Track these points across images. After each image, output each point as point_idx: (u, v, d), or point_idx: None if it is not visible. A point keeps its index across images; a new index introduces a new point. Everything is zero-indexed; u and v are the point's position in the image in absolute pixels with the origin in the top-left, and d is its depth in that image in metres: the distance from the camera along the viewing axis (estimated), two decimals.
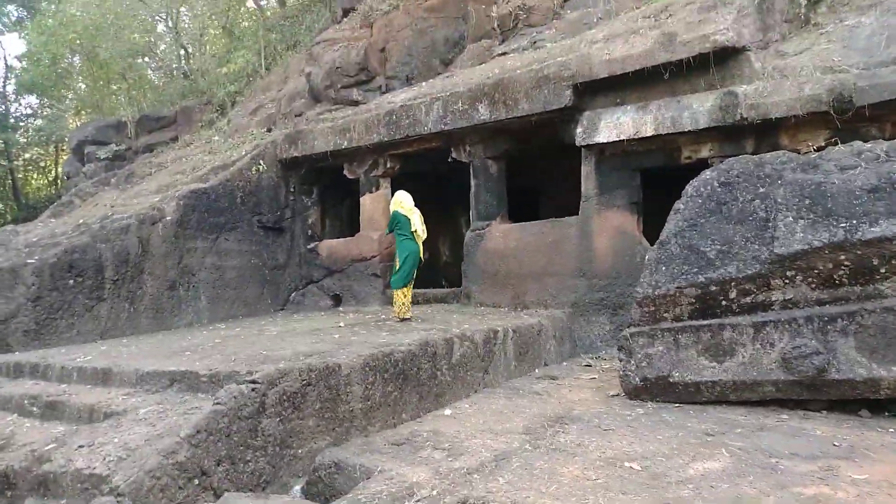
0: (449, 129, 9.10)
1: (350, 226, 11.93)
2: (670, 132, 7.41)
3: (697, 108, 7.22)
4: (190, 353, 6.05)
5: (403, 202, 7.62)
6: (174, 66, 22.09)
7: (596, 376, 6.44)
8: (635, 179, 7.99)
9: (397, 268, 7.51)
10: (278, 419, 4.18)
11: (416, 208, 7.67)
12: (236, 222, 10.16)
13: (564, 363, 7.44)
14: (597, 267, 8.11)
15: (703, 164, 7.56)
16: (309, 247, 11.02)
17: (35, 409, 5.41)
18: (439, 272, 12.74)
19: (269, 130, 13.18)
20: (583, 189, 8.30)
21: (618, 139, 7.75)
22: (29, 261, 7.68)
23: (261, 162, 10.65)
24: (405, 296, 7.61)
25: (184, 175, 11.17)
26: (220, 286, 9.83)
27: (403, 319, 7.43)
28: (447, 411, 5.35)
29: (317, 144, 10.44)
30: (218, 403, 3.79)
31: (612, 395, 5.63)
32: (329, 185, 11.55)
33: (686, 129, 7.28)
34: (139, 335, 8.47)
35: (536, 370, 7.01)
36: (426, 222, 7.96)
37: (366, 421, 4.88)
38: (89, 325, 8.14)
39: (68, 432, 4.72)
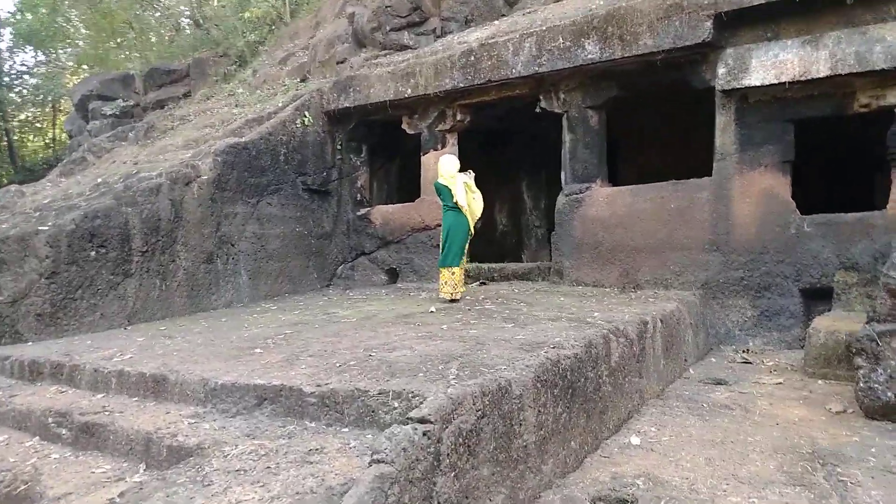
0: (543, 73, 7.53)
1: (399, 191, 10.40)
2: (852, 72, 5.87)
3: (894, 40, 5.67)
4: (261, 350, 4.58)
5: (440, 168, 6.80)
6: (185, 14, 20.21)
7: (781, 380, 5.01)
8: (789, 133, 6.47)
9: (441, 245, 6.77)
10: (453, 474, 2.73)
11: (461, 175, 6.78)
12: (280, 183, 8.61)
13: (711, 359, 6.00)
14: (736, 239, 6.63)
15: (885, 114, 6.05)
16: (359, 213, 9.48)
17: (64, 431, 3.95)
18: (494, 244, 11.22)
19: (304, 80, 11.56)
20: (717, 144, 6.78)
21: (776, 81, 6.22)
22: (41, 228, 6.16)
23: (306, 113, 9.06)
24: (453, 275, 6.62)
25: (213, 129, 9.59)
26: (263, 258, 8.32)
27: (452, 301, 6.57)
28: (633, 439, 3.90)
29: (373, 93, 8.84)
30: (381, 462, 2.34)
31: (838, 412, 4.21)
32: (377, 142, 9.98)
33: (876, 68, 5.74)
34: (174, 318, 6.99)
35: (689, 370, 5.58)
36: (482, 188, 6.90)
37: (539, 459, 3.42)
38: (114, 307, 6.65)
39: (121, 478, 3.27)
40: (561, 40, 7.30)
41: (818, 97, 6.28)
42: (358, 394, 3.26)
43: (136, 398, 4.15)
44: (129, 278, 6.77)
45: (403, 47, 10.39)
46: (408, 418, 2.64)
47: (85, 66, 22.67)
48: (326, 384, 3.42)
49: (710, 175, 6.85)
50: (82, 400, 4.28)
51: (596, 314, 5.41)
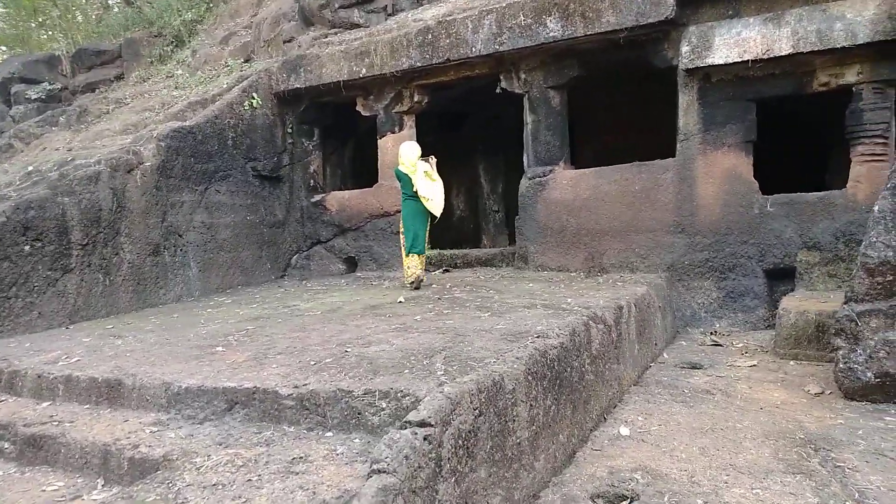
0: (503, 52, 7.34)
1: (353, 176, 10.08)
2: (813, 50, 5.89)
3: (853, 18, 5.72)
4: (223, 348, 4.27)
5: (401, 156, 6.62)
6: None
7: (755, 362, 5.01)
8: (751, 112, 6.49)
9: (402, 233, 6.70)
10: (454, 479, 2.53)
11: (423, 162, 6.58)
12: (228, 170, 8.17)
13: (681, 342, 5.98)
14: (700, 221, 6.63)
15: (843, 92, 6.11)
16: (313, 200, 9.12)
17: (7, 445, 3.56)
18: (452, 229, 11.03)
19: (248, 61, 11.06)
20: (680, 124, 6.74)
21: (740, 60, 6.20)
22: None
23: (254, 95, 8.62)
24: (420, 261, 6.59)
25: (153, 112, 9.02)
26: (213, 249, 7.89)
27: (416, 288, 6.53)
28: (622, 429, 3.79)
29: (325, 73, 8.47)
30: (382, 472, 2.11)
31: (817, 394, 4.20)
32: (330, 125, 9.62)
33: (837, 46, 5.77)
34: (120, 315, 6.53)
35: (663, 354, 5.53)
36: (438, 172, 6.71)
37: (532, 456, 3.26)
38: (54, 305, 6.15)
39: (77, 496, 2.95)
40: (522, 17, 7.11)
41: (779, 76, 6.30)
42: (341, 395, 3.01)
43: (87, 406, 3.78)
44: (68, 274, 6.27)
45: (353, 25, 10.01)
46: (406, 422, 2.41)
47: (3, 48, 21.20)
48: (305, 385, 3.16)
49: (674, 156, 6.82)
50: (25, 410, 3.88)
51: (569, 300, 5.30)
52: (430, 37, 7.70)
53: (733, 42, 6.23)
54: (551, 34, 6.97)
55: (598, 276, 6.92)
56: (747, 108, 6.47)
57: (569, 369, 3.82)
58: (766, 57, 6.09)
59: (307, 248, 9.13)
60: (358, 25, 9.96)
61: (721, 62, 6.27)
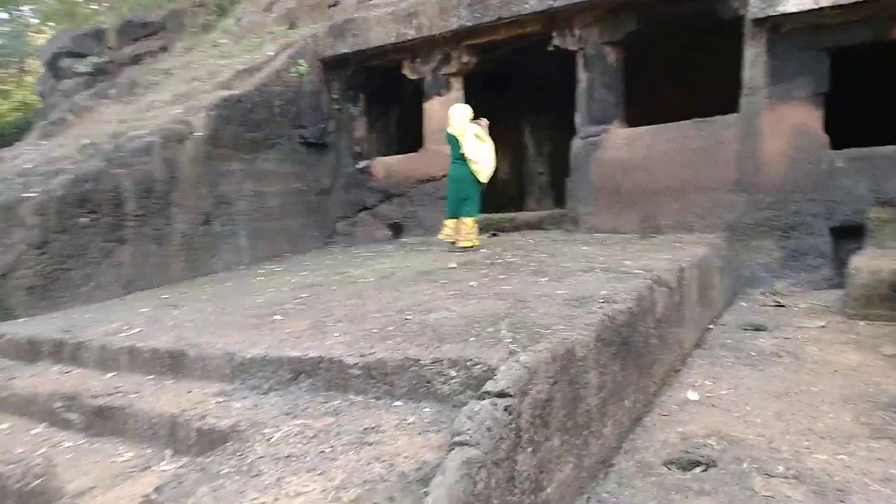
0: (558, 7, 7.05)
1: (399, 141, 9.94)
2: None
3: None
4: (281, 317, 4.24)
5: (451, 118, 6.57)
6: None
7: (823, 323, 4.77)
8: (823, 62, 6.11)
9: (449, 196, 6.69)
10: (531, 449, 2.44)
11: (474, 125, 6.53)
12: (276, 138, 8.13)
13: (742, 303, 5.75)
14: (764, 178, 6.32)
15: None
16: (359, 166, 9.04)
17: (75, 416, 3.61)
18: (495, 193, 10.80)
19: (292, 27, 10.93)
20: (745, 78, 6.40)
21: (815, 6, 5.80)
22: (27, 194, 5.70)
23: (301, 61, 8.51)
24: (470, 224, 6.58)
25: (202, 82, 8.99)
26: (262, 218, 7.91)
27: (465, 249, 6.52)
28: (690, 394, 3.65)
29: (372, 36, 8.30)
30: (465, 444, 2.03)
31: (894, 356, 3.97)
32: (375, 90, 9.47)
33: None
34: (173, 284, 6.61)
35: (723, 316, 5.32)
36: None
37: (600, 423, 3.15)
38: (110, 276, 6.24)
39: (147, 467, 2.96)
40: None
41: (857, 22, 5.89)
42: (409, 363, 2.93)
43: (150, 377, 3.80)
44: (123, 245, 6.35)
45: None
46: (485, 392, 2.32)
47: (51, 24, 21.51)
48: (371, 353, 3.09)
49: (736, 112, 6.49)
50: (91, 381, 3.93)
51: (627, 262, 5.11)
52: None
53: None
54: None
55: (652, 237, 6.69)
56: (820, 59, 6.09)
57: (635, 334, 3.68)
58: (845, 2, 5.68)
59: (353, 214, 9.08)
60: None
61: (794, 10, 5.88)
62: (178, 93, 8.80)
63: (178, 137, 6.99)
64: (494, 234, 7.82)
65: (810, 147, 6.10)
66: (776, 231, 6.25)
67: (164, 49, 14.47)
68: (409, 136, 10.06)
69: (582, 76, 7.36)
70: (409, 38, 8.03)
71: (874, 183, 5.84)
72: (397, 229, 8.78)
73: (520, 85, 10.47)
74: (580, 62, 7.36)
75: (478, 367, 2.76)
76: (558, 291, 4.10)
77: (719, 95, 7.28)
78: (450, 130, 6.61)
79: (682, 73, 8.67)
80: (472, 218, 6.63)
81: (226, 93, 7.73)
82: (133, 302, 5.60)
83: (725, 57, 7.73)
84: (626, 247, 6.14)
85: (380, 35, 8.24)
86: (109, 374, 3.98)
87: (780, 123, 6.24)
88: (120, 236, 6.32)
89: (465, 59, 8.12)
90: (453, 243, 6.68)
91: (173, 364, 3.76)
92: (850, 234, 5.95)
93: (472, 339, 3.13)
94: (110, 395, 3.63)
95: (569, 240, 6.86)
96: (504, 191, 10.92)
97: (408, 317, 3.75)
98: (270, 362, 3.35)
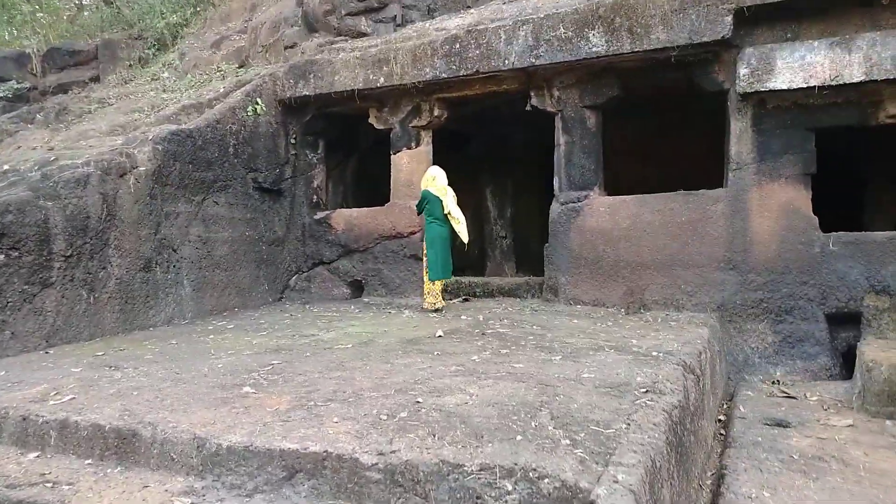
0: (538, 66, 6.78)
1: (355, 193, 9.39)
2: (889, 78, 5.49)
3: None
4: (253, 389, 3.53)
5: (437, 179, 6.75)
6: None
7: (850, 422, 4.44)
8: (810, 142, 6.04)
9: (425, 257, 6.73)
10: None
11: (448, 187, 6.77)
12: (228, 180, 7.41)
13: (747, 392, 5.37)
14: (754, 257, 6.13)
15: None
16: (317, 217, 8.38)
17: None
18: (454, 255, 10.36)
19: (243, 66, 10.35)
20: (732, 152, 6.27)
21: (805, 85, 5.76)
22: None
23: (258, 100, 7.90)
24: (437, 288, 6.68)
25: (143, 114, 8.21)
26: (209, 266, 7.09)
27: (435, 310, 6.58)
28: None
29: (337, 80, 7.81)
30: None
31: None
32: (334, 138, 8.94)
33: None
34: (106, 337, 5.69)
35: (739, 408, 4.92)
36: None
37: None
38: (30, 324, 5.29)
39: None
40: (562, 30, 6.59)
41: (842, 105, 5.87)
42: (447, 469, 2.32)
43: (89, 461, 2.99)
44: (48, 288, 5.42)
45: (360, 34, 9.39)
46: None
47: None
48: (393, 451, 2.46)
49: (724, 186, 6.34)
50: (6, 462, 3.07)
51: (634, 342, 4.73)
52: (457, 46, 7.12)
53: (797, 66, 5.79)
54: (594, 49, 6.46)
55: (639, 313, 6.35)
56: (806, 138, 6.03)
57: (685, 433, 3.20)
58: (834, 84, 5.66)
59: (308, 268, 8.37)
60: (365, 34, 9.35)
61: (784, 87, 5.83)
62: (116, 123, 7.97)
63: (119, 171, 6.19)
64: (466, 300, 7.31)
65: (800, 228, 5.97)
66: (769, 314, 6.02)
67: (94, 80, 13.50)
68: (367, 189, 9.53)
69: (561, 139, 7.08)
70: (378, 85, 7.59)
71: (868, 269, 5.72)
72: (357, 288, 8.12)
73: (481, 145, 10.19)
74: (559, 125, 7.09)
75: (546, 481, 2.18)
76: (584, 375, 3.59)
77: (686, 169, 7.21)
78: (431, 190, 6.68)
79: (648, 144, 8.58)
80: (443, 280, 6.77)
81: (175, 126, 7.00)
82: (59, 358, 4.68)
83: (701, 131, 7.74)
84: (620, 322, 5.76)
85: (346, 79, 7.76)
86: (32, 455, 3.13)
87: (769, 201, 6.10)
88: (44, 279, 5.40)
89: (436, 112, 7.74)
90: (437, 309, 6.62)
91: (121, 447, 2.97)
92: (845, 322, 5.78)
93: (519, 437, 2.56)
94: (34, 484, 2.81)
95: (551, 311, 6.42)
96: (464, 253, 10.47)
97: (419, 400, 3.13)
98: (255, 454, 2.64)
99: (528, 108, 7.27)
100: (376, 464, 2.42)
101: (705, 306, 6.25)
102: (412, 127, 7.86)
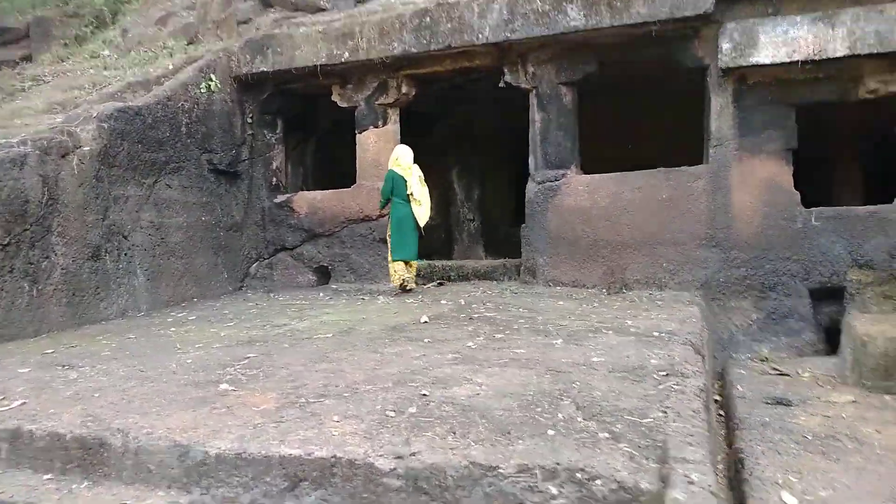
0: (513, 40, 6.50)
1: (315, 175, 8.94)
2: (872, 53, 5.42)
3: None
4: (232, 386, 3.16)
5: (400, 158, 6.52)
6: None
7: (851, 398, 4.34)
8: (790, 118, 5.96)
9: (389, 238, 6.53)
10: None
11: (415, 165, 6.55)
12: (181, 161, 6.90)
13: (739, 370, 5.20)
14: (737, 234, 6.03)
15: (890, 100, 5.70)
16: (277, 200, 7.92)
17: None
18: (420, 239, 10.04)
19: (192, 43, 9.72)
20: (712, 129, 6.14)
21: (788, 60, 5.65)
22: None
23: (212, 77, 7.37)
24: (411, 267, 6.53)
25: (83, 92, 7.57)
26: (163, 254, 6.59)
27: (403, 290, 6.45)
28: (786, 496, 2.96)
29: (298, 55, 7.34)
30: None
31: None
32: (293, 117, 8.47)
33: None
34: (53, 333, 5.18)
35: (737, 386, 4.77)
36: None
37: None
38: None
39: None
40: (538, 3, 6.31)
41: (823, 80, 5.80)
42: (479, 472, 2.04)
43: (48, 476, 2.59)
44: None
45: (318, 10, 8.91)
46: None
47: None
48: (412, 453, 2.16)
49: (704, 163, 6.22)
50: None
51: (628, 322, 4.54)
52: (428, 20, 6.77)
53: (781, 41, 5.68)
54: (572, 24, 6.21)
55: (620, 293, 6.19)
56: (787, 114, 5.94)
57: (709, 417, 3.00)
58: (817, 58, 5.57)
59: (269, 255, 7.92)
60: (323, 10, 8.88)
61: (767, 62, 5.71)
62: (53, 101, 7.32)
63: (60, 151, 5.63)
64: (441, 283, 7.02)
65: (783, 203, 5.89)
66: (753, 291, 5.93)
67: (26, 59, 12.57)
68: (328, 170, 9.10)
69: (536, 117, 6.83)
70: (343, 60, 7.17)
71: (851, 243, 5.68)
72: (324, 274, 7.71)
73: (447, 126, 9.86)
74: (534, 102, 6.84)
75: (598, 482, 1.92)
76: (593, 359, 3.36)
77: (674, 146, 7.07)
78: (396, 170, 6.44)
79: (618, 121, 8.40)
80: (412, 261, 6.56)
81: (122, 103, 6.44)
82: (3, 357, 4.17)
83: (667, 108, 7.62)
84: (606, 303, 5.59)
85: (307, 54, 7.31)
86: None
87: (750, 177, 6.00)
88: None
89: (404, 89, 7.37)
90: (403, 289, 6.43)
91: (86, 459, 2.58)
92: (828, 297, 5.74)
93: (550, 431, 2.29)
94: None
95: (532, 293, 6.19)
96: (431, 236, 10.15)
97: (424, 392, 2.83)
98: (250, 462, 2.30)
99: (501, 84, 6.98)
100: (395, 469, 2.11)
101: (688, 284, 6.12)
102: (379, 105, 7.47)
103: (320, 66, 7.27)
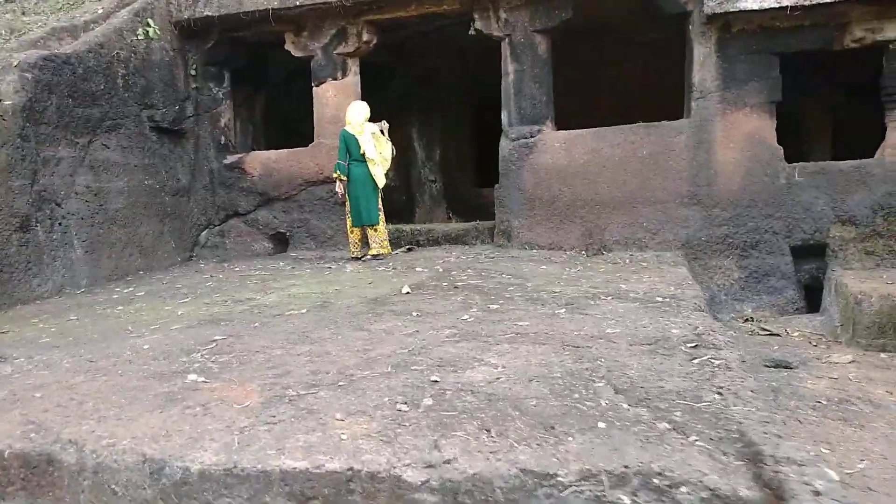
0: None
1: (267, 134, 8.31)
2: None
3: None
4: (202, 377, 2.72)
5: (350, 116, 6.12)
6: None
7: (850, 358, 4.21)
8: (774, 68, 5.75)
9: (347, 202, 6.18)
10: None
11: (372, 124, 6.17)
12: (118, 118, 6.20)
13: (730, 332, 5.09)
14: (719, 191, 5.83)
15: (873, 50, 5.53)
16: (227, 161, 7.30)
17: None
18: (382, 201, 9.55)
19: None
20: (695, 80, 5.87)
21: (777, 5, 5.38)
22: None
23: (150, 21, 6.63)
24: (376, 232, 6.13)
25: (2, 40, 6.70)
26: (103, 223, 5.94)
27: (362, 258, 6.12)
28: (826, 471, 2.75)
29: None
30: None
31: None
32: (238, 69, 7.78)
33: None
34: None
35: None
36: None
37: None
38: None
39: None
40: None
41: (808, 28, 5.58)
42: (533, 481, 1.69)
43: None
44: None
45: None
46: None
47: None
48: (446, 460, 1.79)
49: (686, 117, 5.95)
50: None
51: (622, 286, 4.28)
52: None
53: None
54: None
55: (600, 254, 5.94)
56: (771, 64, 5.72)
57: None
58: (806, 3, 5.31)
59: (220, 221, 7.32)
60: None
61: (755, 7, 5.43)
62: None
63: None
64: (410, 248, 6.62)
65: (766, 159, 5.70)
66: (734, 250, 5.76)
67: None
68: (282, 126, 8.49)
69: (510, 68, 6.41)
70: (298, 3, 6.55)
71: (833, 199, 5.55)
72: (281, 242, 7.19)
73: (405, 81, 9.31)
74: (506, 51, 6.41)
75: (683, 490, 1.60)
76: (608, 331, 3.05)
77: (649, 99, 6.79)
78: (348, 129, 6.08)
79: (603, 74, 8.06)
80: (383, 224, 6.20)
81: (46, 51, 5.69)
82: None
83: (651, 58, 7.31)
84: (590, 266, 5.32)
85: None
86: None
87: (734, 131, 5.77)
88: None
89: (365, 36, 6.81)
90: (361, 257, 6.15)
91: (31, 480, 2.11)
92: (809, 254, 5.63)
93: (600, 423, 1.96)
94: None
95: (508, 257, 5.86)
96: (390, 198, 9.67)
97: (434, 378, 2.46)
98: (244, 479, 1.89)
99: (471, 32, 6.51)
100: (427, 481, 1.75)
101: (669, 244, 5.91)
102: (338, 54, 6.90)
103: (272, 10, 6.63)
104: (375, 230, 6.13)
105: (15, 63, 5.40)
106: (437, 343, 2.98)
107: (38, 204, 5.28)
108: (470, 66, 8.60)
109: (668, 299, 3.75)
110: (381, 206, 6.19)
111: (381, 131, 6.21)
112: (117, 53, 6.23)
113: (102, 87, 6.01)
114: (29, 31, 6.90)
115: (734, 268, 5.80)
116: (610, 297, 3.85)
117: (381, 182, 6.11)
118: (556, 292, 4.06)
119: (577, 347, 2.77)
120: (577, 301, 3.76)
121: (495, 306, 3.70)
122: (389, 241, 6.37)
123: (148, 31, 6.57)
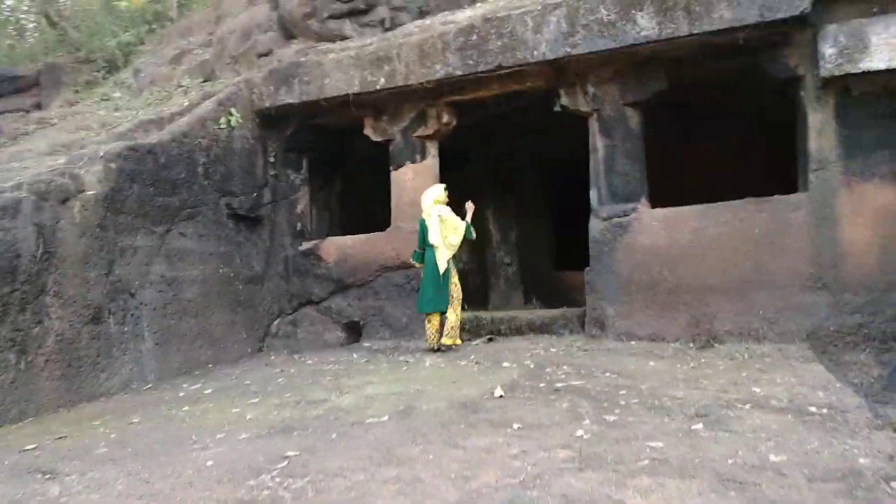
0: (574, 55, 5.69)
1: (342, 219, 8.11)
2: None
3: None
4: None
5: (423, 201, 5.98)
6: (30, 12, 16.62)
7: None
8: None
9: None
10: None
11: (438, 206, 5.90)
12: (197, 206, 6.10)
13: None
14: (848, 273, 5.08)
15: None
16: (303, 248, 7.08)
17: None
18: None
19: (208, 80, 9.06)
20: (812, 150, 5.26)
21: None
22: None
23: (232, 111, 6.63)
24: (436, 325, 5.77)
25: (92, 132, 6.86)
26: (175, 313, 5.73)
27: (439, 350, 5.69)
28: None
29: (329, 84, 6.60)
30: None
31: None
32: (318, 156, 7.69)
33: None
34: (43, 417, 4.28)
35: None
36: None
37: None
38: None
39: None
40: (603, 12, 5.52)
41: None
42: None
43: None
44: None
45: (344, 39, 8.24)
46: None
47: None
48: None
49: (805, 191, 5.32)
50: None
51: (756, 390, 3.62)
52: (475, 37, 6.00)
53: None
54: (643, 33, 5.41)
55: (709, 347, 5.23)
56: None
57: None
58: None
59: (293, 310, 7.03)
60: (348, 39, 8.20)
61: (882, 67, 4.85)
62: (58, 142, 6.60)
63: (60, 196, 4.84)
64: (491, 339, 6.09)
65: None
66: (872, 342, 4.97)
67: (36, 107, 12.02)
68: (356, 214, 8.29)
69: (599, 144, 5.99)
70: (379, 87, 6.40)
71: None
72: (354, 331, 6.81)
73: (481, 162, 9.06)
74: (595, 127, 6.01)
75: None
76: (771, 458, 2.41)
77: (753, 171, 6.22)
78: (423, 215, 5.93)
79: (697, 143, 7.52)
80: (453, 312, 5.79)
81: (131, 142, 5.68)
82: None
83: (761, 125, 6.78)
84: (703, 363, 4.63)
85: (338, 83, 6.56)
86: None
87: (862, 206, 5.09)
88: None
89: (445, 118, 6.58)
90: (436, 348, 5.73)
91: None
92: None
93: None
94: None
95: (607, 350, 5.25)
96: (464, 282, 9.25)
97: None
98: None
99: (556, 108, 6.18)
100: None
101: (792, 335, 5.15)
102: (416, 137, 6.68)
103: (353, 94, 6.51)
104: (448, 318, 5.74)
105: (101, 154, 5.39)
106: (554, 471, 2.43)
107: (112, 294, 5.11)
108: (547, 145, 8.28)
109: (824, 409, 3.08)
110: (454, 293, 5.81)
111: (445, 213, 5.90)
112: (199, 142, 6.20)
113: (183, 176, 5.95)
114: (119, 125, 7.06)
115: (873, 363, 4.97)
116: (749, 406, 3.21)
117: (441, 267, 5.76)
118: (678, 398, 3.43)
119: (742, 484, 2.17)
120: (710, 411, 3.13)
121: (612, 417, 3.11)
122: (466, 329, 5.89)
123: (230, 120, 6.56)
